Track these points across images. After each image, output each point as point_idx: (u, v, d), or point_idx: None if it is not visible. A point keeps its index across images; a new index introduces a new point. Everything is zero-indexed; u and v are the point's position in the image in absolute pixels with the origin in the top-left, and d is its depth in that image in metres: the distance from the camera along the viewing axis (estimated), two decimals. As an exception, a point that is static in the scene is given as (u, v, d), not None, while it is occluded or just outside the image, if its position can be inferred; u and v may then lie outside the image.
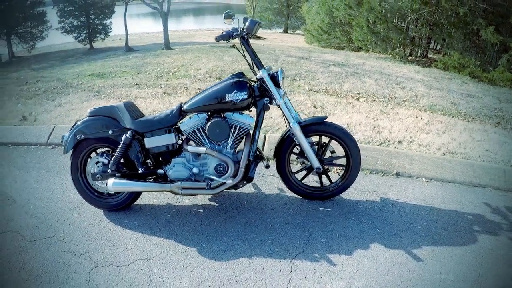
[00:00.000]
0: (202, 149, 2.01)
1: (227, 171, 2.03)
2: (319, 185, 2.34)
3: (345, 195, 2.42)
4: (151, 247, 1.95)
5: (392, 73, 6.21)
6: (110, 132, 2.06)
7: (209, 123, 1.98)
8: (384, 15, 8.24)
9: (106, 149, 2.20)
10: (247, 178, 2.10)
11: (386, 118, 3.83)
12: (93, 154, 2.24)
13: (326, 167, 2.29)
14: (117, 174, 2.12)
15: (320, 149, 2.23)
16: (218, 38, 1.93)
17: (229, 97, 1.94)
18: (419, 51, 8.74)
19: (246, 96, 1.95)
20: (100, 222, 2.18)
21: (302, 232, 2.05)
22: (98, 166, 2.16)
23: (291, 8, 22.22)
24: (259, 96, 2.07)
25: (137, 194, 2.28)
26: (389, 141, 3.17)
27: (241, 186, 2.13)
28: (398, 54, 8.28)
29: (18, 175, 2.72)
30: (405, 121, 3.72)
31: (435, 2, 7.33)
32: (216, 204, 2.36)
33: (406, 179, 2.65)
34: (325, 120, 2.15)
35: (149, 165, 2.19)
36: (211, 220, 2.18)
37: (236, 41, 2.07)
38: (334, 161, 2.28)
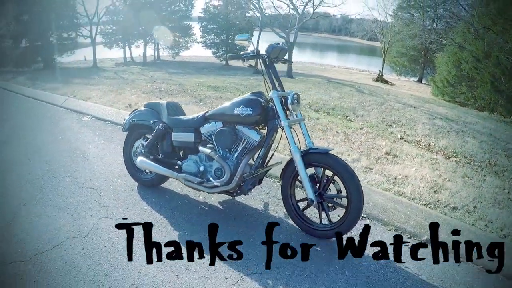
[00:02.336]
0: (207, 151, 2.25)
1: (223, 176, 2.20)
2: (318, 221, 2.22)
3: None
4: (149, 219, 2.29)
5: (503, 138, 5.05)
6: (151, 122, 2.56)
7: (217, 130, 2.22)
8: (512, 71, 6.78)
9: (149, 135, 2.71)
10: (241, 189, 2.21)
11: (462, 182, 3.21)
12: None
13: (330, 205, 2.16)
14: (150, 156, 2.57)
15: (323, 182, 2.13)
16: (231, 57, 2.16)
17: (237, 110, 2.12)
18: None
19: (251, 112, 2.08)
20: (130, 191, 2.68)
21: (274, 257, 1.98)
22: (140, 147, 2.69)
23: (427, 57, 20.47)
24: (273, 116, 2.16)
25: (164, 177, 2.68)
26: (441, 204, 2.67)
27: (235, 194, 2.25)
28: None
29: (101, 144, 3.62)
30: (483, 190, 3.03)
31: None
32: (221, 208, 2.54)
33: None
34: (329, 152, 2.06)
35: (177, 156, 2.56)
36: (207, 218, 2.37)
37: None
38: (335, 199, 2.13)
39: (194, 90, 7.11)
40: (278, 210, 2.53)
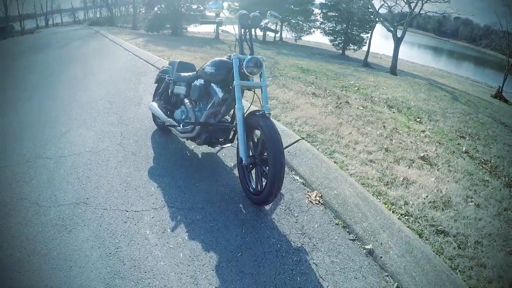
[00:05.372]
0: (185, 101, 2.62)
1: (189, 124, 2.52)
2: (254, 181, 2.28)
3: (277, 214, 2.18)
4: (141, 152, 2.88)
5: None
6: (167, 76, 3.09)
7: (192, 85, 2.54)
8: None
9: None
10: (204, 139, 2.47)
11: (495, 212, 2.58)
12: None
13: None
14: (162, 104, 3.12)
15: (259, 146, 2.15)
16: (202, 22, 2.36)
17: (206, 69, 2.39)
18: None
19: (213, 71, 2.31)
20: (149, 131, 3.35)
21: (203, 201, 2.24)
22: (159, 95, 3.29)
23: None
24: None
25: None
26: (426, 221, 2.25)
27: (197, 142, 2.55)
28: None
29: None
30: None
31: None
32: (200, 157, 2.90)
33: (370, 262, 1.90)
34: (267, 113, 2.06)
35: (178, 105, 2.95)
36: (182, 160, 2.79)
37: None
38: (264, 165, 2.13)
39: (281, 69, 7.35)
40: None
